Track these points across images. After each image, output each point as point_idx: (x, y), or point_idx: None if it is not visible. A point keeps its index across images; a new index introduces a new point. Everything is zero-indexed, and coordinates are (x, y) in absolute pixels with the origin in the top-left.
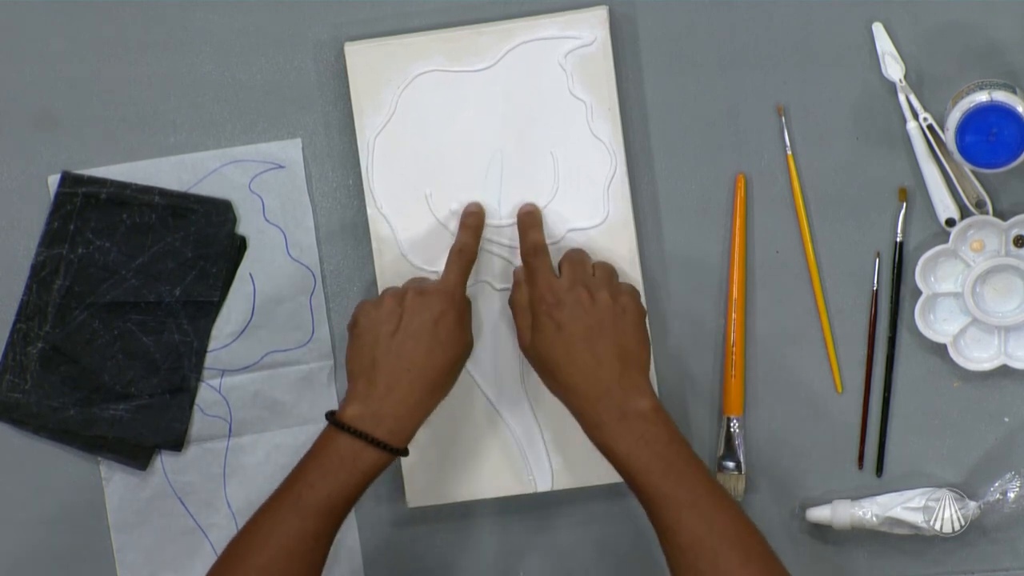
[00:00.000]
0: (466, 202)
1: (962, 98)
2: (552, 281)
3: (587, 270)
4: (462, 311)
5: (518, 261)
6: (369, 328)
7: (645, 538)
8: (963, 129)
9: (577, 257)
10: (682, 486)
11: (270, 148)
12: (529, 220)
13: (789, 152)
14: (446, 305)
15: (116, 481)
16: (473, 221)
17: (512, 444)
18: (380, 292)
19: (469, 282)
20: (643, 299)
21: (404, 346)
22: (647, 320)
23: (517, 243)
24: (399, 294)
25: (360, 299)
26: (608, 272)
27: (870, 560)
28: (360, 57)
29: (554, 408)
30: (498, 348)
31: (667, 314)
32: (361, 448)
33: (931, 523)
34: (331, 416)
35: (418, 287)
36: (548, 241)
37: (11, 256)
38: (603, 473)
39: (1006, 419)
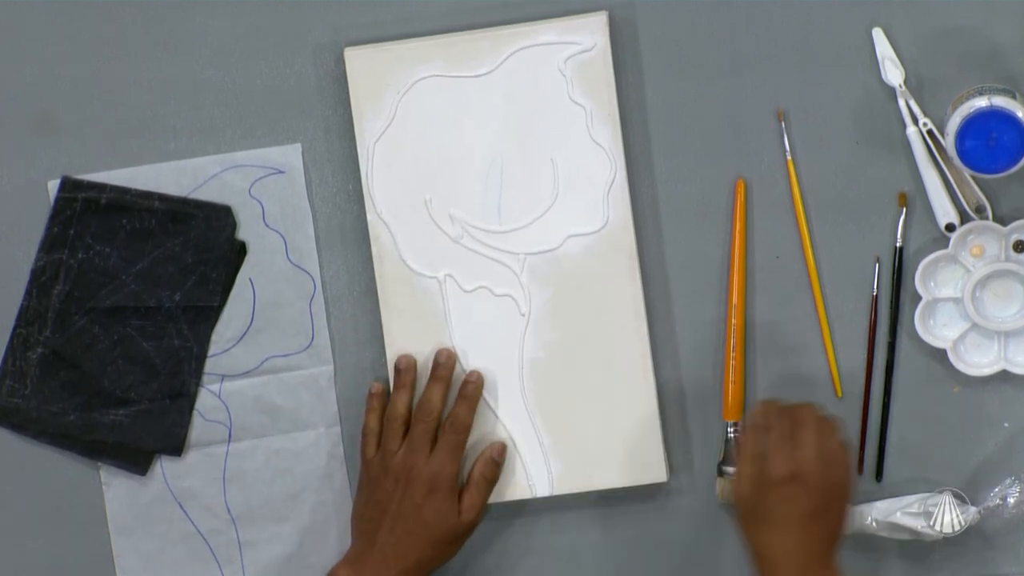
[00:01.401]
0: (466, 208)
1: (962, 103)
2: (760, 441)
3: (803, 436)
4: (449, 491)
5: (517, 267)
6: (373, 490)
7: (644, 542)
8: (963, 134)
9: (797, 415)
10: None
11: (270, 153)
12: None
13: (789, 157)
14: (430, 490)
15: (116, 486)
16: (445, 373)
17: (511, 449)
18: (386, 435)
19: (469, 287)
20: (644, 308)
21: (396, 526)
22: None
23: (517, 249)
24: (396, 470)
25: (362, 309)
26: (830, 430)
27: (870, 565)
28: (360, 62)
29: (553, 413)
30: (497, 354)
31: (667, 319)
32: None
33: (931, 523)
34: None
35: (409, 471)
36: (546, 247)
37: (11, 261)
38: (602, 478)
39: (1006, 424)
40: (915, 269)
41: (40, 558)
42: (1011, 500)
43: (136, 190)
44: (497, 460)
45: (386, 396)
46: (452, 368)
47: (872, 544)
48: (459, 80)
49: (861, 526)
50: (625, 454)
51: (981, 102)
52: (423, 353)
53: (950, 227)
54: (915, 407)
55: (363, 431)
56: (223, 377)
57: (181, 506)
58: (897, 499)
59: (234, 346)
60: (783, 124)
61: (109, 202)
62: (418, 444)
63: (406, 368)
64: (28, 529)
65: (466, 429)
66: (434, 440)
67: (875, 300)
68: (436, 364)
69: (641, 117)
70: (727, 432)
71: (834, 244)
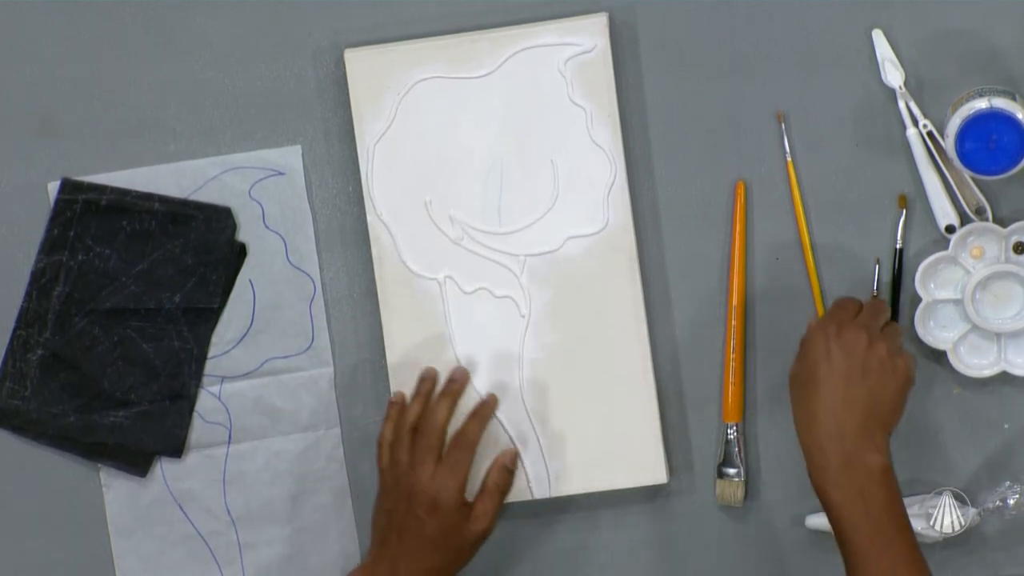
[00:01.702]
0: (466, 209)
1: (962, 105)
2: (844, 314)
3: (878, 322)
4: (452, 507)
5: (517, 269)
6: (384, 499)
7: (644, 544)
8: (963, 136)
9: (877, 308)
10: (885, 555)
11: (270, 155)
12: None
13: (789, 158)
14: (433, 506)
15: (116, 488)
16: (456, 388)
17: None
18: (410, 448)
19: (469, 289)
20: (644, 309)
21: (404, 536)
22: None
23: (517, 251)
24: (402, 483)
25: (362, 311)
26: (896, 332)
27: None
28: (360, 64)
29: (552, 415)
30: (497, 355)
31: (667, 321)
32: None
33: (932, 524)
34: None
35: (412, 486)
36: (546, 249)
37: (11, 263)
38: (602, 480)
39: (1006, 426)
40: (915, 271)
41: (40, 559)
42: (1011, 502)
43: (136, 192)
44: (510, 467)
45: (404, 405)
46: (464, 386)
47: None
48: (459, 82)
49: None
50: (625, 455)
51: (981, 104)
52: (423, 354)
53: (950, 229)
54: (915, 409)
55: (378, 440)
56: (223, 379)
57: (181, 508)
58: None
59: (234, 348)
60: (783, 126)
61: (109, 204)
62: (421, 458)
63: (426, 377)
64: (28, 530)
65: (472, 446)
66: (440, 453)
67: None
68: (449, 379)
69: (641, 119)
70: (727, 433)
71: (834, 246)
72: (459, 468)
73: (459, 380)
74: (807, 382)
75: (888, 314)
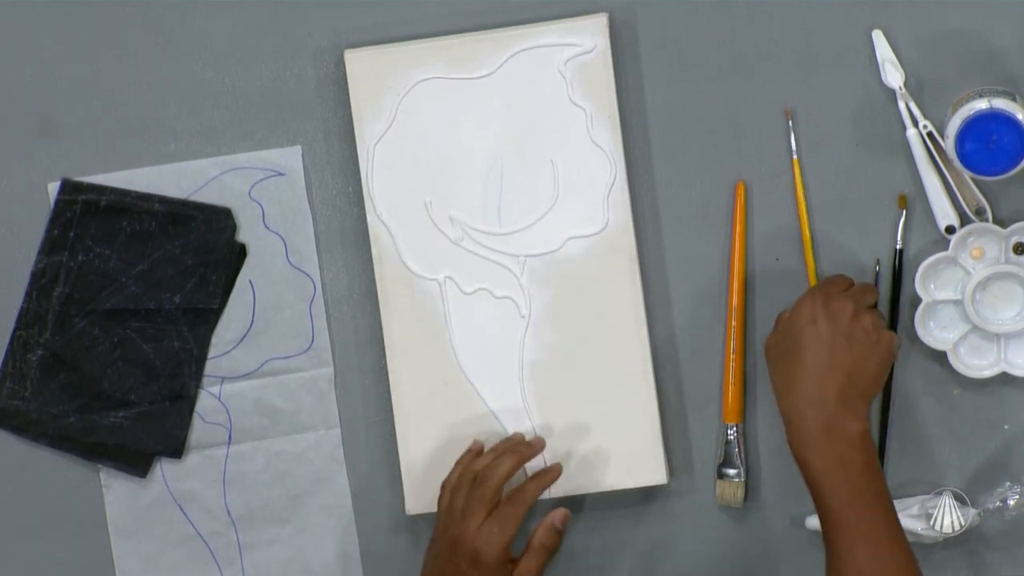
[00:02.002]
0: (466, 210)
1: (962, 105)
2: (833, 287)
3: (867, 299)
4: (494, 563)
5: (517, 269)
6: (433, 543)
7: (644, 544)
8: (963, 136)
9: (867, 286)
10: (864, 519)
11: (270, 155)
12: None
13: (795, 156)
14: (474, 561)
15: (116, 488)
16: (526, 451)
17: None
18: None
19: (469, 289)
20: (644, 310)
21: None
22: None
23: (517, 251)
24: (450, 532)
25: (362, 312)
26: (879, 314)
27: None
28: (360, 64)
29: (552, 416)
30: (497, 356)
31: (667, 321)
32: None
33: (932, 524)
34: None
35: (457, 537)
36: (546, 249)
37: (11, 263)
38: (602, 480)
39: (1006, 426)
40: (915, 271)
41: (40, 560)
42: (1011, 503)
43: (136, 192)
44: (559, 528)
45: (477, 455)
46: (536, 453)
47: None
48: (459, 82)
49: None
50: (625, 456)
51: (981, 104)
52: (423, 355)
53: (950, 229)
54: (915, 409)
55: (443, 482)
56: (223, 379)
57: (181, 508)
58: (897, 501)
59: (234, 348)
60: (790, 123)
61: (109, 204)
62: (472, 509)
63: (509, 439)
64: (28, 531)
65: (526, 506)
66: (492, 508)
67: (875, 302)
68: (523, 441)
69: (641, 119)
70: (727, 434)
71: (834, 246)
72: (508, 525)
73: (535, 445)
74: (791, 347)
75: (877, 297)
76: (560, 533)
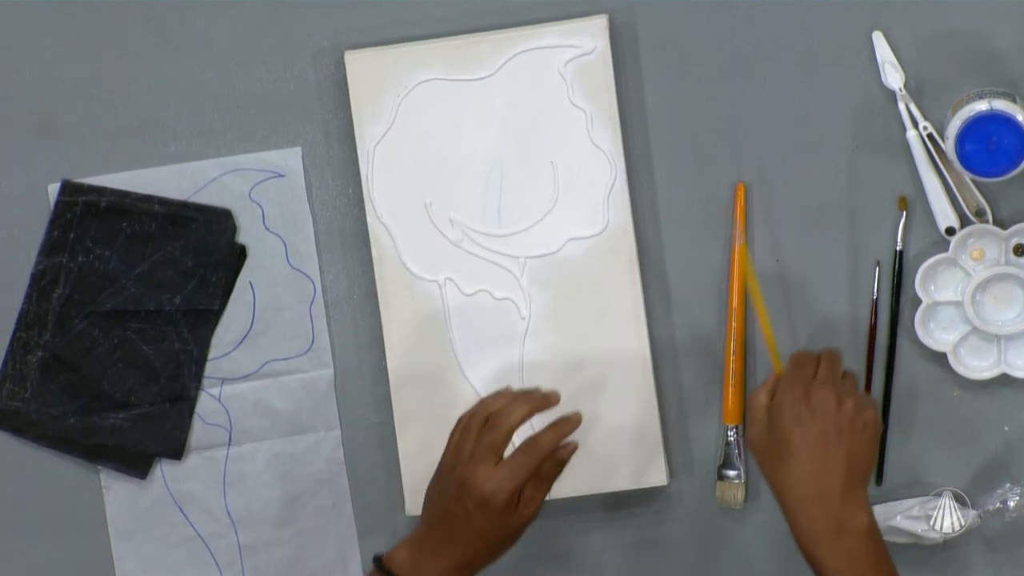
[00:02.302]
0: (466, 211)
1: (962, 106)
2: (805, 375)
3: (838, 373)
4: (501, 507)
5: (517, 271)
6: (438, 480)
7: (644, 546)
8: (963, 138)
9: (833, 358)
10: None
11: (270, 156)
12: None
13: (739, 243)
14: (482, 505)
15: (116, 489)
16: (542, 401)
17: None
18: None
19: (469, 290)
20: (644, 311)
21: (450, 522)
22: None
23: (517, 253)
24: (457, 473)
25: (362, 313)
26: (855, 382)
27: None
28: (360, 65)
29: (553, 417)
30: (498, 358)
31: (667, 322)
32: None
33: (931, 524)
34: (378, 561)
35: (465, 480)
36: (546, 250)
37: (11, 265)
38: (602, 482)
39: (1006, 428)
40: (915, 273)
41: (40, 561)
42: (1011, 504)
43: (136, 194)
44: (566, 462)
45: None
46: (550, 405)
47: None
48: (459, 83)
49: None
50: (625, 457)
51: (981, 106)
52: (423, 356)
53: (950, 231)
54: (915, 411)
55: (459, 417)
56: (223, 380)
57: (181, 510)
58: (897, 503)
59: (234, 349)
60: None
61: (109, 205)
62: (482, 453)
63: (527, 389)
64: (28, 533)
65: (540, 456)
66: (500, 454)
67: (875, 304)
68: (543, 393)
69: (641, 120)
70: (727, 436)
71: (834, 247)
72: (518, 473)
73: (550, 397)
74: (781, 449)
75: (842, 360)
76: (563, 466)
